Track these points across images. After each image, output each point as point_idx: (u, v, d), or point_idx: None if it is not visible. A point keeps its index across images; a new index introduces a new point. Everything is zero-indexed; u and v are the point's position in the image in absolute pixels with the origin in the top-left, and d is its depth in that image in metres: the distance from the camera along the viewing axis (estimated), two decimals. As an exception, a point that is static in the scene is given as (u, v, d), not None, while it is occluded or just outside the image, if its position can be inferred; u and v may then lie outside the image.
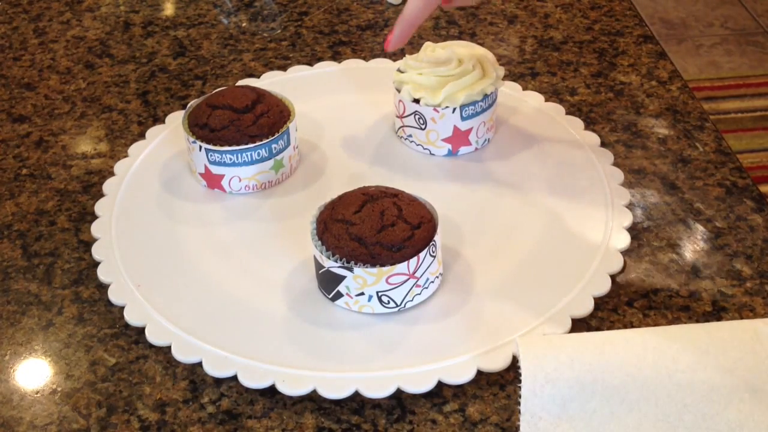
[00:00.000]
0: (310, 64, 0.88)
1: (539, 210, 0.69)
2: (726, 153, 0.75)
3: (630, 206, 0.69)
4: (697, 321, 0.61)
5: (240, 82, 0.85)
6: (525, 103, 0.80)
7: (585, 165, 0.73)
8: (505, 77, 0.83)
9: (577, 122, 0.78)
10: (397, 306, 0.60)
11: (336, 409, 0.56)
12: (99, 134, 0.80)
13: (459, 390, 0.57)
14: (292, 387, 0.56)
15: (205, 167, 0.71)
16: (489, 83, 0.72)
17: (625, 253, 0.65)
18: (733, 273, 0.64)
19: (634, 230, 0.67)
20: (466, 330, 0.60)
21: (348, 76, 0.85)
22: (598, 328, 0.61)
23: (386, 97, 0.77)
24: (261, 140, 0.69)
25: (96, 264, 0.66)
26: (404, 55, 0.76)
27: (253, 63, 0.89)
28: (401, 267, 0.58)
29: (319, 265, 0.61)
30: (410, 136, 0.75)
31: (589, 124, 0.78)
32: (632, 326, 0.61)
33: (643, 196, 0.71)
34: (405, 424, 0.55)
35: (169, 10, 0.98)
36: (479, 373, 0.57)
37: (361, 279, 0.58)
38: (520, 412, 0.52)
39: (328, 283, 0.61)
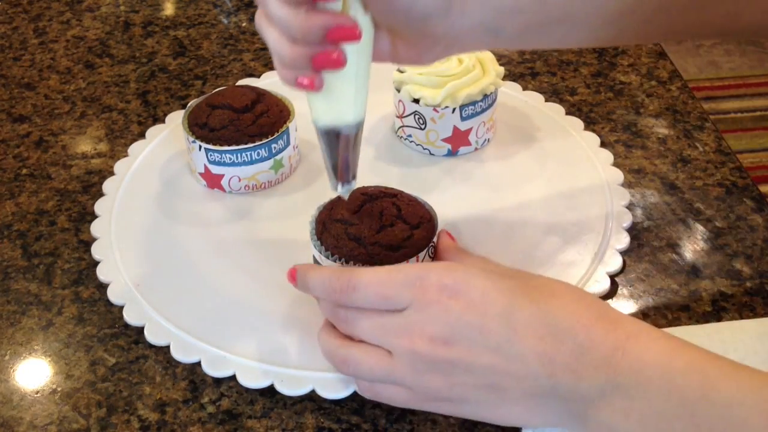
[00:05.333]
0: (310, 64, 0.87)
1: (539, 210, 0.69)
2: (726, 153, 0.75)
3: (630, 206, 0.69)
4: (697, 321, 0.61)
5: (240, 82, 0.85)
6: (525, 104, 0.80)
7: (585, 165, 0.73)
8: (505, 77, 0.83)
9: (577, 122, 0.78)
10: (397, 306, 0.60)
11: (336, 409, 0.56)
12: (99, 134, 0.80)
13: (459, 390, 0.57)
14: (291, 387, 0.56)
15: (205, 167, 0.71)
16: (489, 83, 0.72)
17: (625, 253, 0.65)
18: (733, 273, 0.64)
19: (634, 230, 0.67)
20: (465, 330, 0.60)
21: (348, 76, 0.85)
22: (597, 328, 0.61)
23: (386, 97, 0.77)
24: (261, 140, 0.69)
25: (96, 264, 0.66)
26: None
27: (253, 63, 0.89)
28: (401, 267, 0.58)
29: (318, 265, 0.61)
30: (410, 136, 0.75)
31: (589, 124, 0.78)
32: (632, 326, 0.61)
33: (643, 196, 0.71)
34: (405, 424, 0.55)
35: (169, 10, 0.98)
36: (479, 373, 0.57)
37: (361, 279, 0.58)
38: None
39: (328, 283, 0.61)
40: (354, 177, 0.57)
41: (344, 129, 0.54)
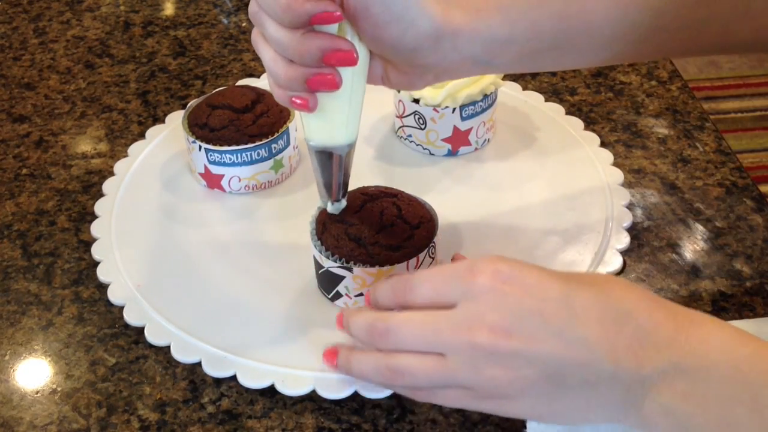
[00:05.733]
0: (310, 64, 0.88)
1: (539, 210, 0.69)
2: (726, 153, 0.75)
3: (630, 206, 0.69)
4: (697, 321, 0.61)
5: (240, 82, 0.85)
6: (525, 104, 0.80)
7: (585, 165, 0.73)
8: (505, 77, 0.83)
9: (577, 122, 0.78)
10: (397, 306, 0.60)
11: (336, 409, 0.56)
12: (99, 134, 0.80)
13: (459, 390, 0.57)
14: (292, 387, 0.56)
15: (205, 167, 0.71)
16: (489, 83, 0.72)
17: (625, 253, 0.65)
18: (733, 273, 0.64)
19: (634, 230, 0.67)
20: (465, 330, 0.59)
21: (348, 76, 0.85)
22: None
23: (386, 97, 0.77)
24: (261, 140, 0.69)
25: (96, 264, 0.66)
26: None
27: (253, 63, 0.89)
28: (400, 267, 0.58)
29: (318, 265, 0.61)
30: (410, 136, 0.75)
31: (589, 124, 0.78)
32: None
33: (643, 196, 0.71)
34: (405, 424, 0.55)
35: (169, 10, 0.98)
36: (479, 373, 0.57)
37: (361, 279, 0.58)
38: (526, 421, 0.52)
39: (328, 283, 0.61)
40: (344, 195, 0.58)
41: (336, 149, 0.54)
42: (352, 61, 0.49)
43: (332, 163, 0.55)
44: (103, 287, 0.65)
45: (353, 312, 0.53)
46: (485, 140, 0.76)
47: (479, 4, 0.51)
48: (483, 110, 0.73)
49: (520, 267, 0.48)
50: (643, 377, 0.45)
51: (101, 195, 0.73)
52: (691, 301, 0.62)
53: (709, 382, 0.44)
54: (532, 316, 0.46)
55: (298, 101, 0.50)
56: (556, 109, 0.79)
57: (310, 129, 0.54)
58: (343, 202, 0.58)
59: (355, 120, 0.54)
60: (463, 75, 0.56)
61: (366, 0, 0.47)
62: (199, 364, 0.58)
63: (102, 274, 0.65)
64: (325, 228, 0.60)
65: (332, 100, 0.51)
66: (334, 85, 0.49)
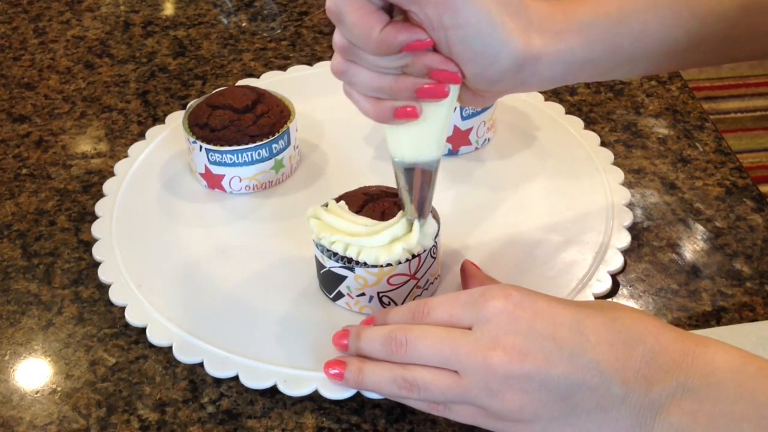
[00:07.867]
0: (310, 63, 0.88)
1: (539, 210, 0.69)
2: (726, 153, 0.75)
3: (630, 206, 0.69)
4: (697, 321, 0.61)
5: (240, 82, 0.85)
6: (525, 103, 0.80)
7: (585, 164, 0.73)
8: (505, 77, 0.83)
9: (577, 122, 0.78)
10: (398, 306, 0.60)
11: (336, 409, 0.56)
12: (99, 134, 0.80)
13: (459, 390, 0.57)
14: (294, 387, 0.56)
15: (206, 167, 0.71)
16: (489, 83, 0.72)
17: (625, 252, 0.65)
18: (733, 273, 0.64)
19: (634, 230, 0.67)
20: (466, 330, 0.59)
21: (348, 76, 0.85)
22: (598, 328, 0.61)
23: (386, 97, 0.77)
24: (261, 140, 0.69)
25: (96, 264, 0.66)
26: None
27: (253, 63, 0.89)
28: (402, 267, 0.58)
29: (320, 265, 0.61)
30: (410, 136, 0.75)
31: (589, 124, 0.78)
32: (632, 326, 0.61)
33: (643, 196, 0.71)
34: (405, 424, 0.55)
35: (169, 10, 0.98)
36: (479, 373, 0.57)
37: (362, 279, 0.58)
38: None
39: (330, 283, 0.61)
40: (430, 211, 0.58)
41: (427, 165, 0.54)
42: (456, 80, 0.50)
43: (423, 179, 0.55)
44: (102, 287, 0.64)
45: (364, 327, 0.55)
46: (485, 140, 0.76)
47: (559, 25, 0.51)
48: (483, 110, 0.73)
49: (530, 293, 0.50)
50: (653, 400, 0.46)
51: (101, 195, 0.73)
52: (691, 301, 0.62)
53: (716, 401, 0.45)
54: (545, 339, 0.47)
55: (407, 109, 0.50)
56: (556, 109, 0.79)
57: (402, 144, 0.54)
58: (431, 221, 0.58)
59: (446, 134, 0.54)
60: (535, 90, 0.58)
61: (447, 37, 0.47)
62: (200, 364, 0.58)
63: (103, 274, 0.65)
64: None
65: (433, 111, 0.51)
66: (443, 93, 0.50)
